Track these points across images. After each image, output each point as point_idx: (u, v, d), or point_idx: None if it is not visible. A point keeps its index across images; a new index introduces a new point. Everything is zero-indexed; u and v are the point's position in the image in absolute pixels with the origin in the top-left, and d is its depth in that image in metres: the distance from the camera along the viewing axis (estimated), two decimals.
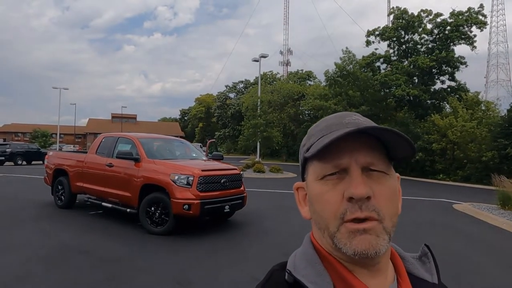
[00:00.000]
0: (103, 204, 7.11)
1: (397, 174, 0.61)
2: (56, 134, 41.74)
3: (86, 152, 8.41)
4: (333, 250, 0.58)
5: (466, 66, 24.71)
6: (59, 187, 8.19)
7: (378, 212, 0.54)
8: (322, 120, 0.64)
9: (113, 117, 68.13)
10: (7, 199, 9.13)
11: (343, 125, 0.59)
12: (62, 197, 8.08)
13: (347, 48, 25.42)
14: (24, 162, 24.47)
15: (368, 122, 0.60)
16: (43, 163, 9.42)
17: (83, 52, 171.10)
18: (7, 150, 23.42)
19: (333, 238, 0.55)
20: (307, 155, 0.59)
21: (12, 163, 23.46)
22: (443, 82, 26.10)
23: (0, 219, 6.81)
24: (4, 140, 54.74)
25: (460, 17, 23.64)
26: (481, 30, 23.97)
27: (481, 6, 23.77)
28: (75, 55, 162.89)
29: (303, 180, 0.64)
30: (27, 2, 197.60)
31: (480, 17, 23.57)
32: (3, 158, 23.09)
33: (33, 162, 24.99)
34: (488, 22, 25.14)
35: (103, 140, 7.72)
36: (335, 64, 25.43)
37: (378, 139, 0.57)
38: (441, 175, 20.93)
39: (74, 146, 49.56)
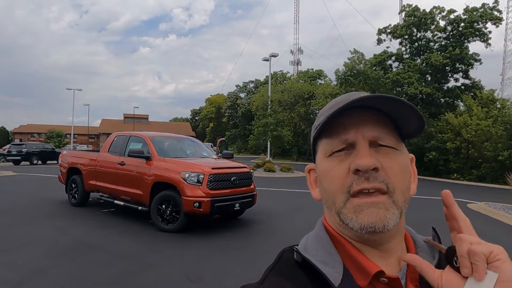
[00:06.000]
0: (115, 202, 7.21)
1: (412, 155, 0.60)
2: (70, 134, 42.55)
3: (99, 151, 8.54)
4: (341, 228, 0.57)
5: (480, 64, 24.22)
6: (73, 185, 8.34)
7: (387, 184, 0.52)
8: (331, 101, 0.65)
9: (125, 117, 69.09)
10: (23, 197, 9.34)
11: (350, 102, 0.59)
12: (76, 195, 8.22)
13: (355, 49, 25.25)
14: (39, 162, 25.02)
15: None
16: (58, 162, 9.62)
17: (99, 54, 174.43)
18: (23, 150, 23.99)
19: (339, 214, 0.55)
20: (314, 133, 0.60)
21: (28, 163, 24.03)
22: (456, 80, 25.63)
23: (16, 216, 6.98)
24: (20, 140, 56.12)
25: (475, 13, 23.14)
26: (497, 27, 23.47)
27: (496, 1, 23.23)
28: (91, 57, 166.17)
29: (315, 162, 0.64)
30: (47, 6, 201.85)
31: (495, 13, 23.04)
32: (19, 157, 23.68)
33: (48, 162, 25.53)
34: (504, 19, 24.55)
35: (115, 139, 7.81)
36: (344, 64, 25.26)
37: (386, 114, 0.56)
38: (455, 175, 20.54)
39: (87, 146, 50.37)
